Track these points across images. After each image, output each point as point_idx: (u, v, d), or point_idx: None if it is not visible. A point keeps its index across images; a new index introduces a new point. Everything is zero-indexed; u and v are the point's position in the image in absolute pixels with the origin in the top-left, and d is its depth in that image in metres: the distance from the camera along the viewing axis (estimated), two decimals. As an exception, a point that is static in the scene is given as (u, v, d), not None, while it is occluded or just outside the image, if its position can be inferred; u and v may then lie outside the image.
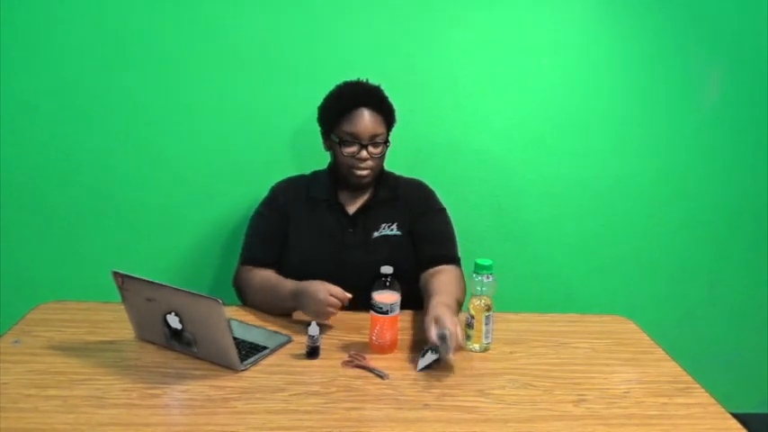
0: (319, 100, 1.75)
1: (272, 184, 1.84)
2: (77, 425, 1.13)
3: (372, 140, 1.67)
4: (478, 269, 1.46)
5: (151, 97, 2.03)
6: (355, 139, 1.66)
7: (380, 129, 1.69)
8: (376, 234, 1.72)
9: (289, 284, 1.59)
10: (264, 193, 1.82)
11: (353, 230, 1.73)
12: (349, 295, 1.49)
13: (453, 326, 1.35)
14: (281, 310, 1.62)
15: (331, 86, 1.76)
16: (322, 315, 1.49)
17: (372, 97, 1.70)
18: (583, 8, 2.09)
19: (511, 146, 2.16)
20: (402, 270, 1.50)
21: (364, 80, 1.74)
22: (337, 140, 1.69)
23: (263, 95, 2.05)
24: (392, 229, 1.73)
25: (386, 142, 1.72)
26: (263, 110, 2.06)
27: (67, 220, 2.09)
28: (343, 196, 1.77)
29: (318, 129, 1.78)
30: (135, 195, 2.09)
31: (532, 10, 2.07)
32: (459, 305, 1.59)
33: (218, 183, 2.10)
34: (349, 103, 1.67)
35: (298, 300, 1.55)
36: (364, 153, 1.67)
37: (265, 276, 1.69)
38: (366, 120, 1.66)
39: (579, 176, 2.20)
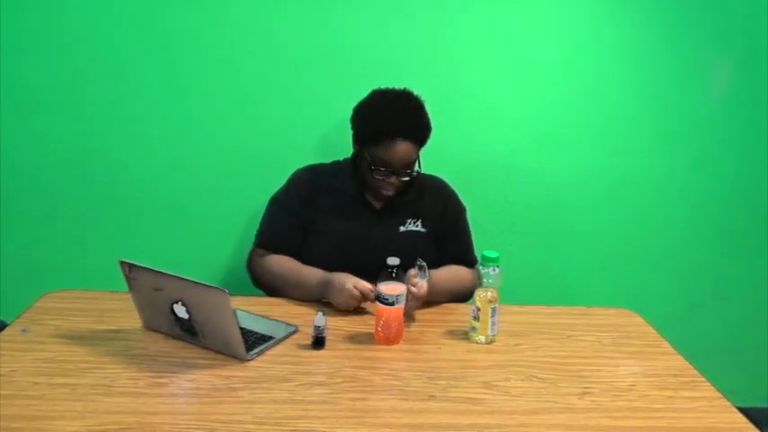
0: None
1: (281, 176, 1.83)
2: (85, 413, 1.14)
3: (404, 168, 1.65)
4: (485, 261, 1.46)
5: (158, 87, 2.03)
6: (387, 167, 1.64)
7: (414, 155, 1.67)
8: (402, 228, 1.74)
9: (316, 274, 1.63)
10: (273, 184, 1.81)
11: (380, 223, 1.73)
12: (373, 290, 1.51)
13: (419, 288, 1.51)
14: (306, 296, 1.64)
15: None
16: (344, 306, 1.57)
17: (411, 128, 1.65)
18: (591, 1, 2.07)
19: (518, 139, 2.15)
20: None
21: (406, 94, 1.68)
22: (369, 160, 1.66)
23: (272, 89, 2.04)
24: (417, 225, 1.74)
25: (416, 161, 1.69)
26: (272, 103, 2.06)
27: (75, 210, 2.10)
28: (368, 191, 1.75)
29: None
30: (143, 184, 2.10)
31: (540, 2, 2.06)
32: (447, 293, 1.67)
33: (226, 173, 2.10)
34: (387, 132, 1.62)
35: (325, 288, 1.60)
36: (394, 179, 1.66)
37: (286, 263, 1.69)
38: (401, 151, 1.63)
39: (586, 170, 2.20)
